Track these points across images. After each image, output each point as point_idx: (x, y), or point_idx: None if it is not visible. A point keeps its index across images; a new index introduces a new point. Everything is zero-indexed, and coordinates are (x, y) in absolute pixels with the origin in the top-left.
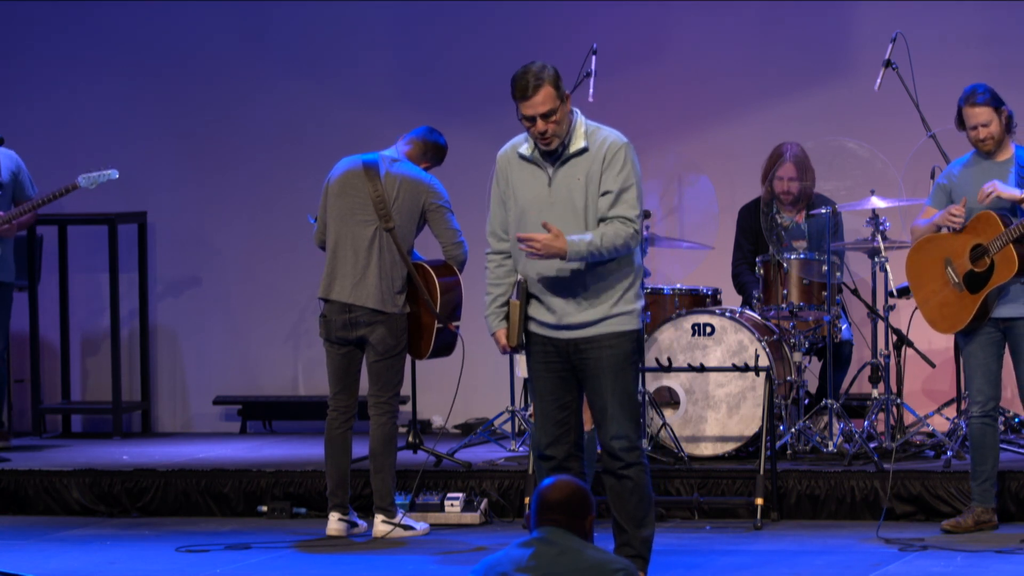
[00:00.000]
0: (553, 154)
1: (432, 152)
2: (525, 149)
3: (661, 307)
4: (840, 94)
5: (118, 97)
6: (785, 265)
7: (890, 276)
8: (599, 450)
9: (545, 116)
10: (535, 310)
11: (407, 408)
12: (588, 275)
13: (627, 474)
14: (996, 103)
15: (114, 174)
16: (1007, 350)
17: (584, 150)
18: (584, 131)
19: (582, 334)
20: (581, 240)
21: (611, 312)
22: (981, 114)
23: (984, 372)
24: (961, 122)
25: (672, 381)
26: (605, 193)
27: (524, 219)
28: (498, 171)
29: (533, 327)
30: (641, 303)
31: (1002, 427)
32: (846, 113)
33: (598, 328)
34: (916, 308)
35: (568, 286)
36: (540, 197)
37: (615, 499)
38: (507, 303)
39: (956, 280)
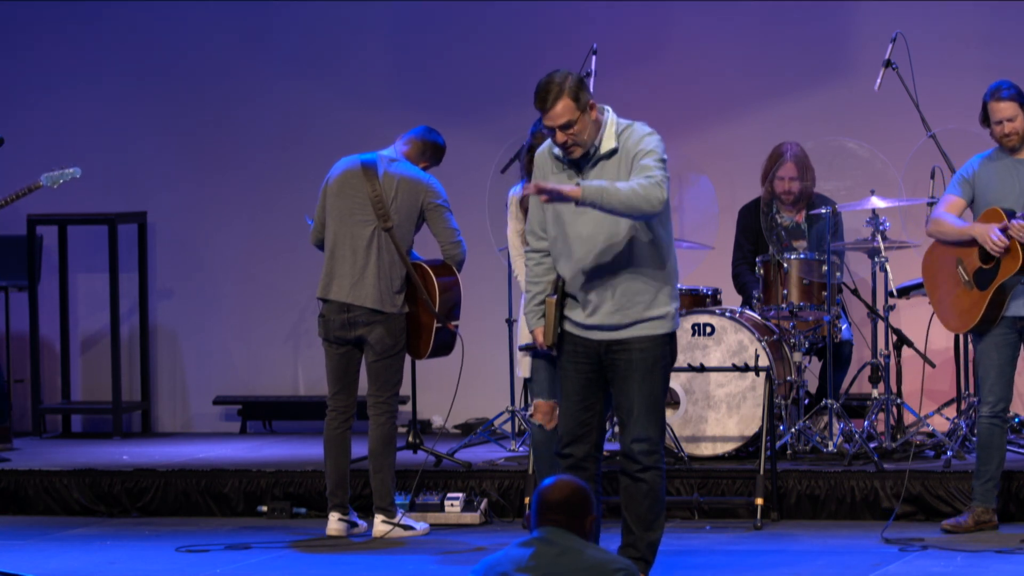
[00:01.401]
0: (585, 155)
1: (430, 152)
2: (559, 149)
3: None
4: (840, 94)
5: (118, 97)
6: (785, 265)
7: (890, 276)
8: (609, 450)
9: (564, 128)
10: (570, 310)
11: (407, 408)
12: (623, 276)
13: (643, 477)
14: (1021, 99)
15: (77, 172)
16: (1022, 352)
17: (614, 151)
18: (615, 131)
19: (614, 336)
20: (597, 183)
21: (644, 315)
22: (1006, 109)
23: (998, 372)
24: (985, 118)
25: (672, 381)
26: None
27: (559, 219)
28: (536, 170)
29: (567, 326)
30: (675, 305)
31: None
32: (846, 113)
33: (630, 331)
34: (933, 311)
35: (603, 287)
36: None
37: (627, 500)
38: (545, 301)
39: (967, 278)
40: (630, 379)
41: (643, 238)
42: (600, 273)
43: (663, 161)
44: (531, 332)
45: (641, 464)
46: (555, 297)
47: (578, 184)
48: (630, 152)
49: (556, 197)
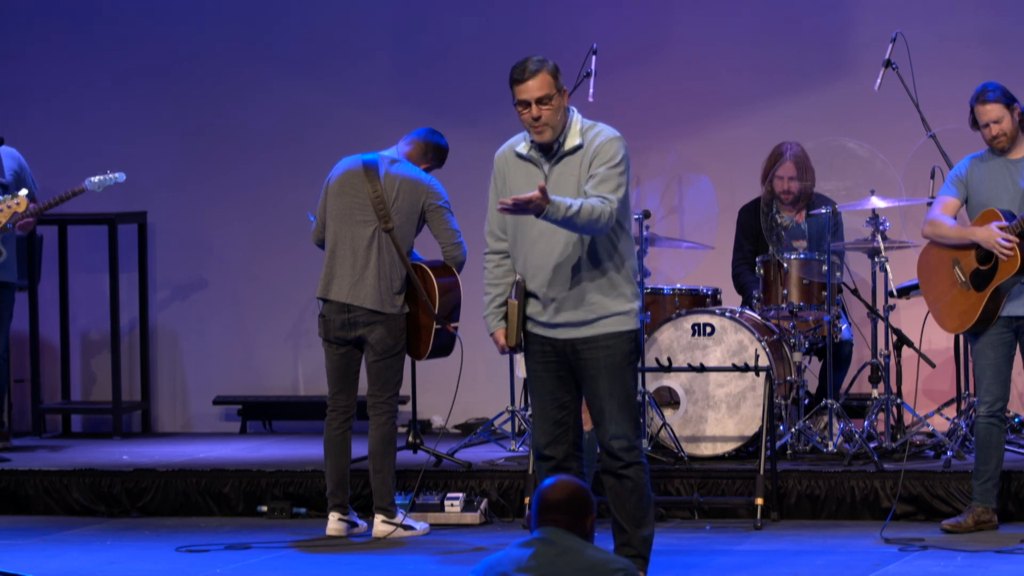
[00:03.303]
0: (549, 151)
1: (433, 153)
2: (522, 148)
3: (661, 307)
4: (840, 94)
5: (118, 97)
6: (785, 265)
7: (890, 276)
8: (599, 450)
9: (540, 101)
10: (533, 310)
11: (407, 408)
12: (584, 274)
13: (626, 474)
14: (1008, 100)
15: (121, 177)
16: (1018, 351)
17: (579, 147)
18: (580, 129)
19: (578, 334)
20: (562, 201)
21: (607, 312)
22: (992, 111)
23: (994, 371)
24: (975, 121)
25: (672, 381)
26: (590, 178)
27: (520, 219)
28: (496, 171)
29: (531, 327)
30: (639, 303)
31: None
32: (846, 113)
33: (594, 328)
34: (929, 311)
35: (565, 286)
36: None
37: (615, 499)
38: (506, 303)
39: (963, 279)
40: (598, 378)
41: (603, 236)
42: (561, 271)
43: (623, 174)
44: (491, 335)
45: (623, 460)
46: (517, 300)
47: (546, 194)
48: (593, 151)
49: (522, 207)
